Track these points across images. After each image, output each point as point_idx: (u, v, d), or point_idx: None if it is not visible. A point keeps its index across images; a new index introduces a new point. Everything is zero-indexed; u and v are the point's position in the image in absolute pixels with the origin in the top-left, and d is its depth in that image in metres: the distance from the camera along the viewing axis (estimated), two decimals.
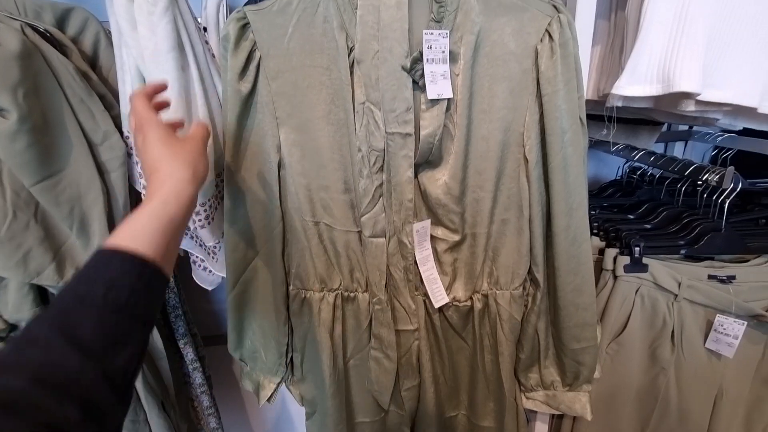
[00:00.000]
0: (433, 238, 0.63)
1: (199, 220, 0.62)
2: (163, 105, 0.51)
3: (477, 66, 0.54)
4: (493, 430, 0.72)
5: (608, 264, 0.75)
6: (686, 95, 0.55)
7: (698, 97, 0.54)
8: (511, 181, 0.59)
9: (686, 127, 1.10)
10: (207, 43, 0.64)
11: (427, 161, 0.58)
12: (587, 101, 0.72)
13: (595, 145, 1.03)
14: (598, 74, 0.72)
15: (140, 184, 0.62)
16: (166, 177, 0.40)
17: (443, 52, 0.51)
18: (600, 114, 0.76)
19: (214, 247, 0.74)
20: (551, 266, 0.62)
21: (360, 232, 0.61)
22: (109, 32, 0.63)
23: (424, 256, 0.62)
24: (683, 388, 0.78)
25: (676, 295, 0.72)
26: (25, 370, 0.28)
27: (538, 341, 0.67)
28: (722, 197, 0.70)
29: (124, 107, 0.62)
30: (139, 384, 0.74)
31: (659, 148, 1.13)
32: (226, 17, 0.70)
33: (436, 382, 0.70)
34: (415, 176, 0.59)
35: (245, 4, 0.55)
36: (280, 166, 0.59)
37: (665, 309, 0.74)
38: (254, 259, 0.64)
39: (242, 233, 0.62)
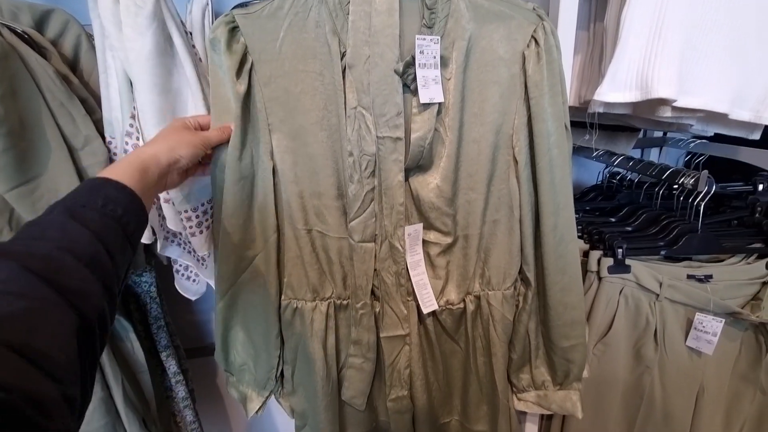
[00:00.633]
0: (425, 242, 0.63)
1: (190, 227, 0.60)
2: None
3: (468, 71, 0.55)
4: None
5: (593, 266, 0.77)
6: (663, 101, 0.57)
7: (674, 104, 0.57)
8: (502, 182, 0.60)
9: (661, 134, 1.15)
10: (194, 47, 0.63)
11: (418, 165, 0.58)
12: (569, 108, 0.74)
13: (577, 150, 1.06)
14: (579, 82, 0.75)
15: None
16: (151, 144, 0.49)
17: (434, 57, 0.52)
18: (581, 120, 0.79)
19: (206, 255, 0.72)
20: (540, 266, 0.63)
21: None
22: (91, 35, 0.61)
23: (415, 260, 0.63)
24: (667, 386, 0.81)
25: (658, 295, 0.75)
26: (49, 240, 0.33)
27: (529, 341, 0.67)
28: (698, 200, 0.73)
29: (107, 112, 0.60)
30: (118, 400, 0.70)
31: (636, 154, 1.18)
32: (212, 22, 0.69)
33: (428, 389, 0.70)
34: (407, 180, 0.59)
35: (233, 9, 0.55)
36: (274, 173, 0.58)
37: (648, 309, 0.76)
38: (247, 269, 0.62)
39: (236, 241, 0.60)
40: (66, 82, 0.57)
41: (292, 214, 0.60)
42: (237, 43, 0.53)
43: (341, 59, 0.53)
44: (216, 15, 0.67)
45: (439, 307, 0.65)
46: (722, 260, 0.78)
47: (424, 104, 0.55)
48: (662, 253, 0.76)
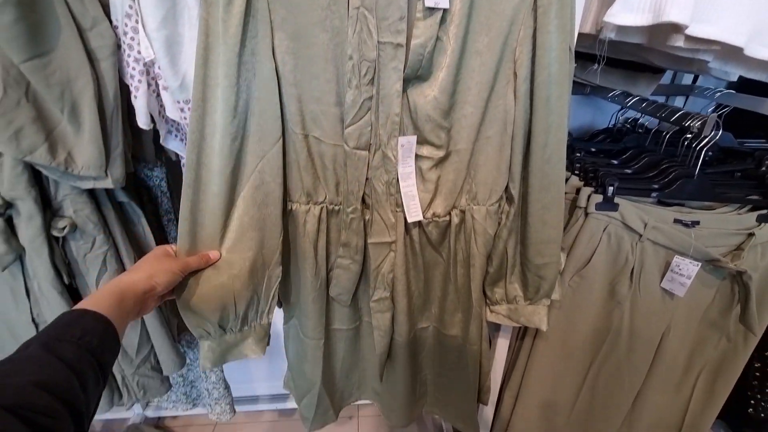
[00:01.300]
0: (418, 157, 0.65)
1: (185, 118, 0.63)
2: None
3: None
4: (458, 338, 0.79)
5: (582, 201, 0.78)
6: (676, 28, 0.55)
7: (686, 32, 0.54)
8: (499, 98, 0.60)
9: (690, 81, 1.10)
10: None
11: (417, 76, 0.58)
12: (587, 36, 0.71)
13: (594, 90, 1.03)
14: (599, 6, 0.71)
15: (128, 76, 0.62)
16: (132, 271, 0.53)
17: None
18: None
19: None
20: (525, 183, 0.65)
21: None
22: None
23: (406, 172, 0.65)
24: (635, 322, 0.85)
25: (641, 236, 0.77)
26: (24, 375, 0.34)
27: (507, 258, 0.71)
28: (701, 145, 0.72)
29: None
30: None
31: (661, 100, 1.13)
32: None
33: (409, 294, 0.75)
34: (405, 92, 0.59)
35: None
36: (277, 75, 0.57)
37: (629, 248, 0.79)
38: (251, 175, 0.61)
39: (241, 147, 0.59)
40: None
41: (291, 117, 0.61)
42: None
43: None
44: None
45: (426, 219, 0.68)
46: (714, 209, 0.78)
47: (428, 9, 0.53)
48: (654, 195, 0.76)
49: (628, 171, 0.84)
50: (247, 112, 0.58)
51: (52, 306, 0.73)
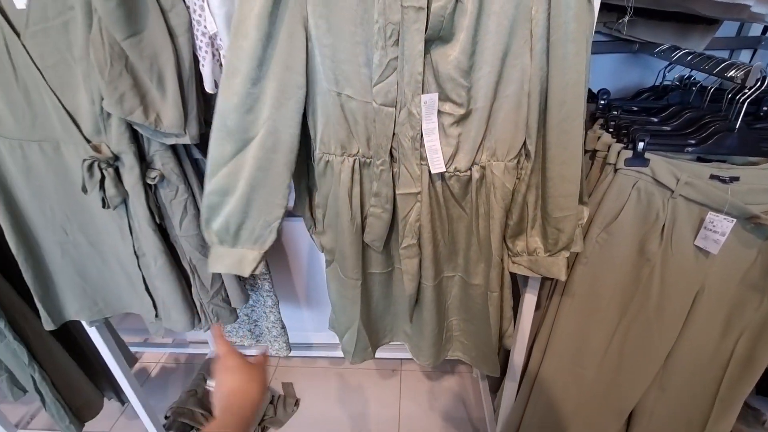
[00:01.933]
0: (440, 113, 0.71)
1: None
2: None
3: None
4: (482, 287, 0.86)
5: (611, 158, 0.79)
6: None
7: None
8: (516, 57, 0.64)
9: (759, 33, 1.00)
10: None
11: (439, 37, 0.64)
12: None
13: (642, 47, 0.99)
14: None
15: (197, 48, 0.75)
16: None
17: None
18: (645, 7, 0.73)
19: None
20: (544, 140, 0.68)
21: None
22: None
23: (430, 127, 0.71)
24: (666, 281, 0.85)
25: (673, 192, 0.76)
26: None
27: (527, 212, 0.76)
28: (744, 97, 0.69)
29: None
30: None
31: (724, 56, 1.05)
32: None
33: (435, 243, 0.83)
34: (428, 53, 0.65)
35: None
36: (307, 38, 0.66)
37: (660, 205, 0.78)
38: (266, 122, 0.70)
39: (259, 93, 0.68)
40: None
41: (326, 76, 0.68)
42: None
43: None
44: None
45: (448, 172, 0.74)
46: (759, 165, 0.75)
47: None
48: (688, 150, 0.75)
49: (667, 128, 0.82)
50: (271, 63, 0.66)
51: (148, 241, 0.92)
